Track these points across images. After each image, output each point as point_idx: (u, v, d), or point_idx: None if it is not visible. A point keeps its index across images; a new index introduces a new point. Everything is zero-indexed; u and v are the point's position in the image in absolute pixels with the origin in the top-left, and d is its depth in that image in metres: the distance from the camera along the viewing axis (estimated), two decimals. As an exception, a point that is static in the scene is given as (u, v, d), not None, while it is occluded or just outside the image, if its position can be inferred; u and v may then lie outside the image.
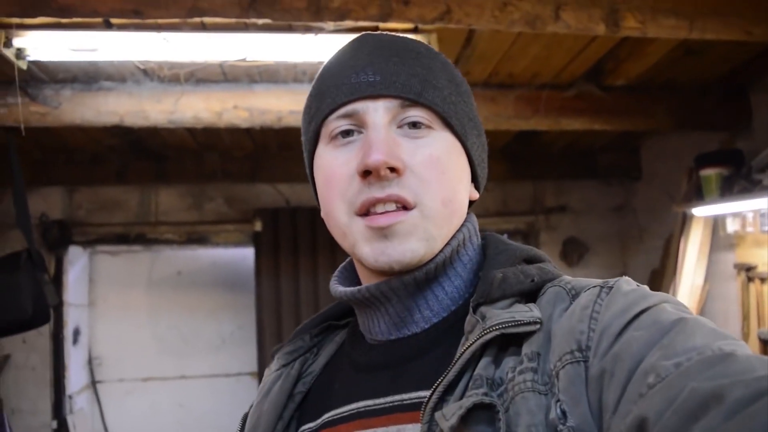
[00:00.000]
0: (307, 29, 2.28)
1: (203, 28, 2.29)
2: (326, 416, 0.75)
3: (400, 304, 0.74)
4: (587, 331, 0.60)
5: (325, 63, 0.80)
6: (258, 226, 4.15)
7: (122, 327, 4.68)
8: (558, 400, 0.58)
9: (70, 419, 4.10)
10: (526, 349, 0.63)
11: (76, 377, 4.30)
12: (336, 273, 0.84)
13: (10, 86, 2.68)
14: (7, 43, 2.35)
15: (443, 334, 0.73)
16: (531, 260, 0.75)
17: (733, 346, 0.51)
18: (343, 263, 0.86)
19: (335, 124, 0.73)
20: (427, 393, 0.63)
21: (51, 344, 4.05)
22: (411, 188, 0.70)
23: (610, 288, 0.64)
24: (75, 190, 4.19)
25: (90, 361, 4.61)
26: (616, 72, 2.83)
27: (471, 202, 0.80)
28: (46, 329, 3.80)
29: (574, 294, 0.67)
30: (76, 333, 4.34)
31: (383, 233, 0.70)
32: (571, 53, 2.59)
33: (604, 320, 0.60)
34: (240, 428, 0.83)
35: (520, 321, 0.64)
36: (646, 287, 0.65)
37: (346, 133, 0.73)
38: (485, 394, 0.61)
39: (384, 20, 1.68)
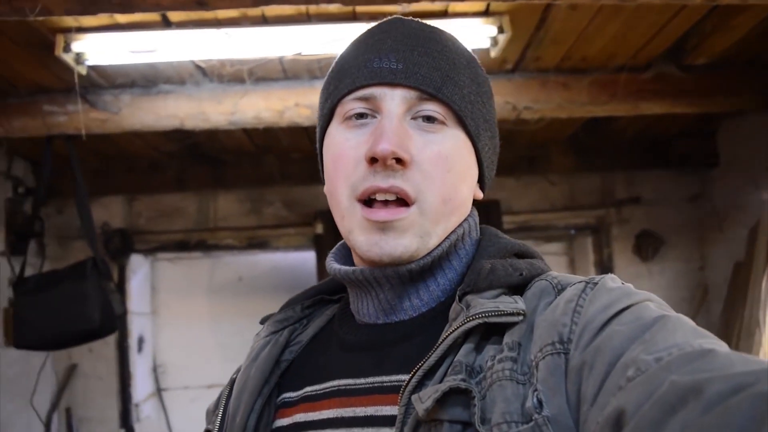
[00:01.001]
0: (372, 17, 2.18)
1: (264, 21, 2.21)
2: (307, 389, 0.77)
3: (391, 292, 0.75)
4: (570, 324, 0.61)
5: (351, 41, 0.81)
6: (319, 228, 4.06)
7: (185, 334, 4.67)
8: (535, 390, 0.58)
9: (137, 427, 4.10)
10: (508, 338, 0.64)
11: (141, 385, 4.30)
12: (334, 249, 0.85)
13: (69, 93, 2.65)
14: (66, 48, 2.31)
15: (430, 321, 0.74)
16: (522, 255, 0.77)
17: (713, 344, 0.51)
18: (342, 240, 0.85)
19: (351, 105, 0.74)
20: (407, 377, 0.65)
21: (116, 353, 4.07)
22: (414, 183, 0.71)
23: (595, 284, 0.65)
24: (134, 198, 4.19)
25: (155, 369, 4.61)
26: (698, 49, 2.63)
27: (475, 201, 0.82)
28: (111, 338, 3.80)
29: (559, 288, 0.68)
30: (141, 341, 4.35)
31: (380, 227, 0.71)
32: (652, 29, 2.41)
33: (587, 314, 0.61)
34: (228, 392, 0.84)
35: (503, 311, 0.65)
36: (630, 285, 0.66)
37: (360, 116, 0.74)
38: (462, 380, 0.62)
39: (461, -1, 1.56)
